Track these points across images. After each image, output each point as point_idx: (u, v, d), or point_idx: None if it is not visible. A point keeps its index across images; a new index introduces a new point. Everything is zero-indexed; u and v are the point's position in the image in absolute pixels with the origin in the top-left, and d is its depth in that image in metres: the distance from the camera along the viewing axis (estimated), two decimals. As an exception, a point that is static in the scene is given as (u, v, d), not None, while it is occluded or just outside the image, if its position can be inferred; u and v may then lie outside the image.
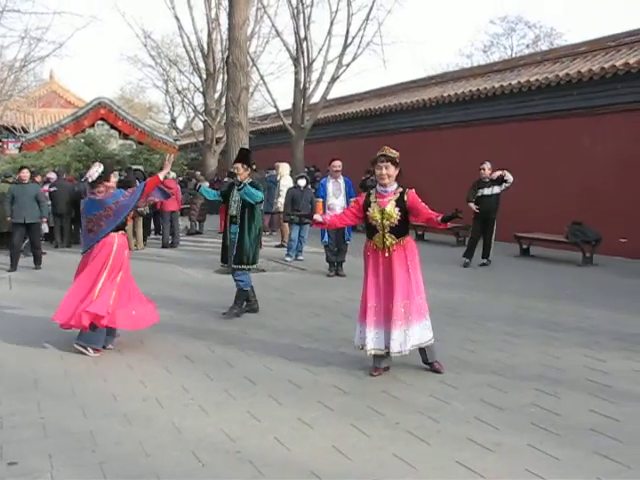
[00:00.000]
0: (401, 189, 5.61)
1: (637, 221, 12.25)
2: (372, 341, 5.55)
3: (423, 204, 5.63)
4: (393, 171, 5.58)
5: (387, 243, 5.55)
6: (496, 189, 11.70)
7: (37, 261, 12.35)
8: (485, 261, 12.02)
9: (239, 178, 7.90)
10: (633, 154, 12.82)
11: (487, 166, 11.92)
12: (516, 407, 4.86)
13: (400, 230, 5.57)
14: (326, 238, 10.68)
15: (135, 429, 4.53)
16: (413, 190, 5.66)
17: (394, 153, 5.60)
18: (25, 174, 12.35)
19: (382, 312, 5.54)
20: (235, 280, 8.11)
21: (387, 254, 5.56)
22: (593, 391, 5.18)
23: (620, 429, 4.40)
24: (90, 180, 6.71)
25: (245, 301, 8.21)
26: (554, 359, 6.07)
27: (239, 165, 7.97)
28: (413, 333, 5.49)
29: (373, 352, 5.58)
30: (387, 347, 5.51)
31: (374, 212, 5.60)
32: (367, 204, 5.69)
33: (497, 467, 3.87)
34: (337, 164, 10.78)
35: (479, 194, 11.76)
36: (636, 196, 12.49)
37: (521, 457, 3.99)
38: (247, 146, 12.05)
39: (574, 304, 8.53)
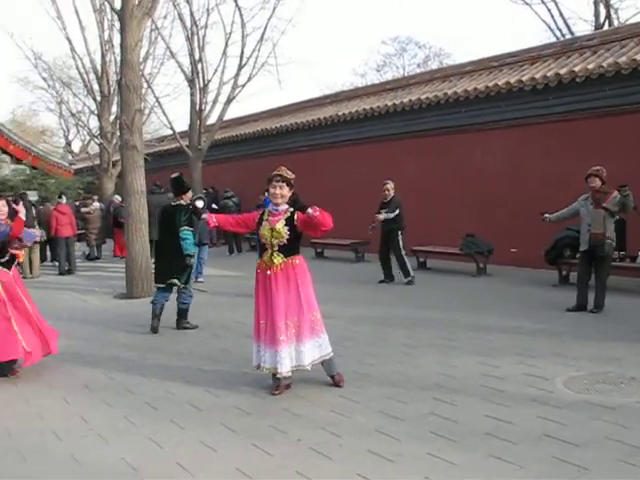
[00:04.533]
0: (292, 209, 5.65)
1: (526, 231, 12.76)
2: (268, 359, 5.58)
3: None
4: (287, 191, 5.67)
5: (275, 261, 5.58)
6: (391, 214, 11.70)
7: None
8: (408, 279, 11.73)
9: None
10: (519, 167, 13.41)
11: (389, 186, 11.93)
12: (416, 417, 4.97)
13: (289, 249, 5.61)
14: None
15: (31, 466, 4.37)
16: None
17: (290, 174, 5.71)
18: None
19: (270, 330, 5.56)
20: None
21: (275, 272, 5.58)
22: (488, 396, 5.37)
23: (512, 431, 4.58)
24: None
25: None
26: (451, 368, 6.26)
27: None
28: (307, 350, 5.55)
29: (267, 370, 5.62)
30: (278, 365, 5.52)
31: (264, 230, 5.66)
32: (260, 221, 5.77)
33: (398, 477, 3.95)
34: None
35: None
36: (524, 207, 13.04)
37: (421, 465, 4.09)
38: (142, 168, 11.87)
39: (469, 313, 8.82)
